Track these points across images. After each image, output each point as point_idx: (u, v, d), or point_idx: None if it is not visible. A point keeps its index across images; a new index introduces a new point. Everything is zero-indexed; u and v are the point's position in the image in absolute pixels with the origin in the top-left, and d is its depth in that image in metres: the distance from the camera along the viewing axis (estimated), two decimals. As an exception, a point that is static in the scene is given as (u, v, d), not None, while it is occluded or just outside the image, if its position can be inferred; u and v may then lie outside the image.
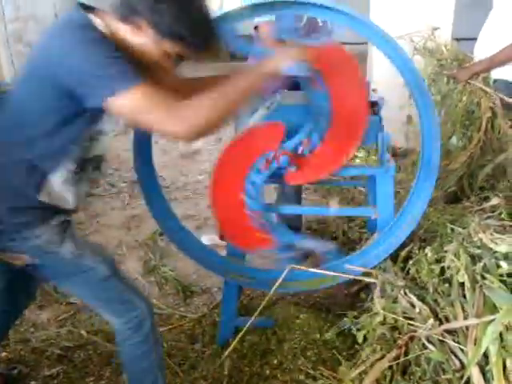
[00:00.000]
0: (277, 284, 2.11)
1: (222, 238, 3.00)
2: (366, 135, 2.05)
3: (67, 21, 1.50)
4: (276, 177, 2.14)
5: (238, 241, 2.19)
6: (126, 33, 1.50)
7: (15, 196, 1.57)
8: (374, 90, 2.55)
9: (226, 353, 2.26)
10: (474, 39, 3.38)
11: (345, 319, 2.08)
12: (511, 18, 3.08)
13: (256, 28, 2.81)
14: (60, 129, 1.52)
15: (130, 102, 1.40)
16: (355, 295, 2.60)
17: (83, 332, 2.50)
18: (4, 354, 2.35)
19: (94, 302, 1.82)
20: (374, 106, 2.18)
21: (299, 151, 2.05)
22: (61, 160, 1.56)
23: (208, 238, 3.20)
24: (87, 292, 1.78)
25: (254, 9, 1.99)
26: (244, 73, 1.60)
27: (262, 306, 2.15)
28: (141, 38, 1.50)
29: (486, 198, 2.78)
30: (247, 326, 2.17)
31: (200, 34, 1.52)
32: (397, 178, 3.23)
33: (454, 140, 3.36)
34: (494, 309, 1.59)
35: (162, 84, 1.55)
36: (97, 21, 1.50)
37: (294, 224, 3.21)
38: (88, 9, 1.53)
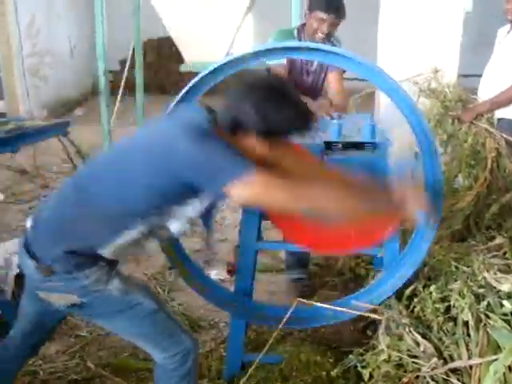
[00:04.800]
0: (284, 320, 2.13)
1: (229, 273, 3.03)
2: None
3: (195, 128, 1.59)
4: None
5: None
6: (235, 141, 1.64)
7: (78, 242, 1.64)
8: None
9: (232, 389, 2.27)
10: (480, 75, 3.47)
11: (350, 356, 2.09)
12: (511, 60, 3.17)
13: (268, 70, 2.88)
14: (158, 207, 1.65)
15: (247, 191, 1.55)
16: (362, 331, 2.60)
17: (91, 365, 2.51)
18: (12, 386, 2.36)
19: (139, 337, 1.82)
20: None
21: None
22: (138, 223, 1.65)
23: (216, 273, 3.22)
24: (133, 328, 1.78)
25: (259, 54, 2.07)
26: (378, 194, 1.74)
27: (270, 343, 2.15)
28: (247, 142, 1.64)
29: (492, 238, 2.80)
30: (255, 362, 2.18)
31: (298, 124, 1.66)
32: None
33: (460, 179, 3.40)
34: (497, 348, 1.61)
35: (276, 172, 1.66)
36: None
37: (302, 260, 3.24)
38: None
